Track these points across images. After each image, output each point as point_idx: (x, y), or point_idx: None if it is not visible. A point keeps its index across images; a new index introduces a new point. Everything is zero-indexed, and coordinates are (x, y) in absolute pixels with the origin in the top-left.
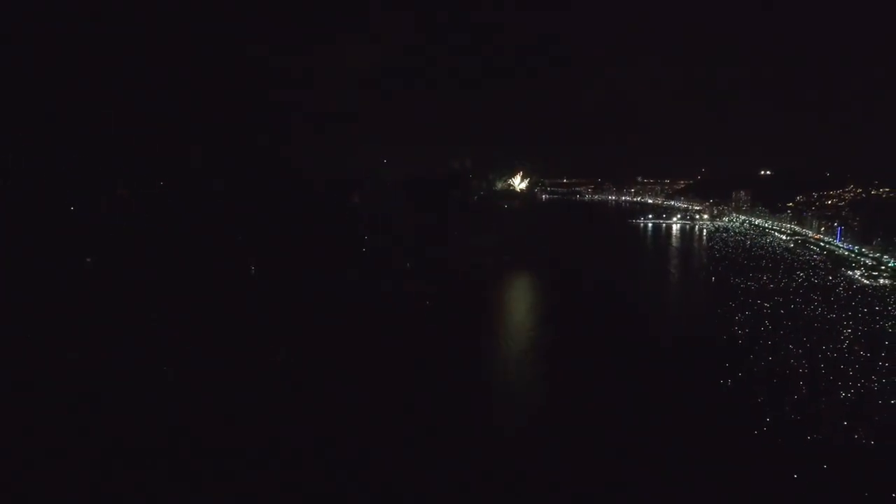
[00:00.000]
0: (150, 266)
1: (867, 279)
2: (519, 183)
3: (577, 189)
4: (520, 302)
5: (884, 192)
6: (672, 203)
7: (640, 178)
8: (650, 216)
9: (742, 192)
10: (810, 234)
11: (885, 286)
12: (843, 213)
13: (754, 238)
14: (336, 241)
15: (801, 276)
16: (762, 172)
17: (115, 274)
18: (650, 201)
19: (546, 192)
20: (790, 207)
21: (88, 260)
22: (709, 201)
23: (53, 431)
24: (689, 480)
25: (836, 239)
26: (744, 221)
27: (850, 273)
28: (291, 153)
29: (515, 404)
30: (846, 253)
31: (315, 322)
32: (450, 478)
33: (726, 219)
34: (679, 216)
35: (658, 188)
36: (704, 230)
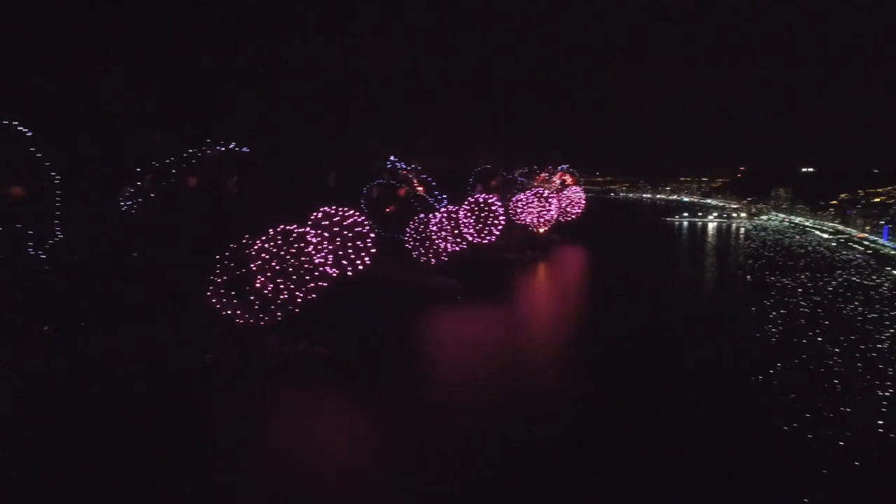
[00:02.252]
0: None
1: None
2: (549, 180)
3: (612, 187)
4: None
5: None
6: (709, 201)
7: (676, 177)
8: (685, 214)
9: (782, 190)
10: (854, 232)
11: None
12: (892, 211)
13: (793, 237)
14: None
15: (843, 276)
16: (804, 169)
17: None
18: (686, 199)
19: (580, 191)
20: (833, 205)
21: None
22: (747, 199)
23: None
24: (718, 479)
25: (882, 238)
26: (783, 220)
27: (895, 272)
28: (317, 145)
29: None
30: (893, 252)
31: None
32: None
33: (765, 217)
34: (715, 214)
35: (695, 186)
36: (742, 229)
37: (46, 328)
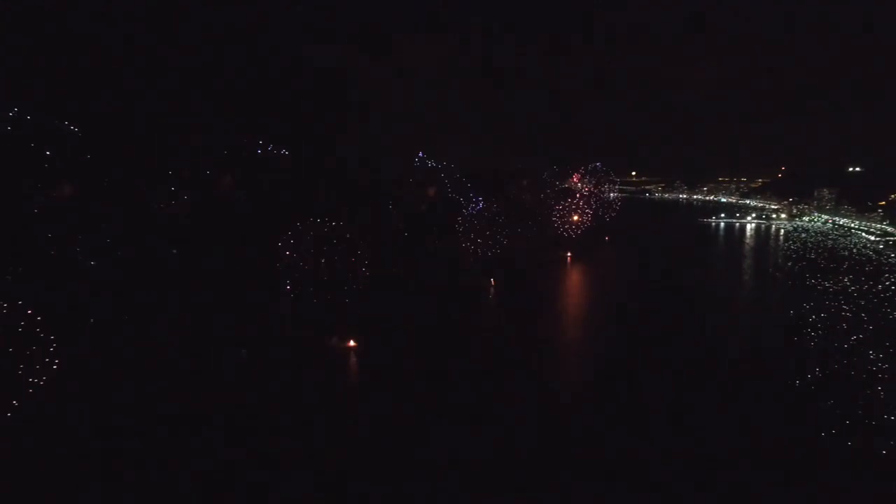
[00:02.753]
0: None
1: None
2: (579, 181)
3: (647, 187)
4: None
5: None
6: (747, 202)
7: (715, 177)
8: (722, 215)
9: (826, 190)
10: None
11: None
12: None
13: (837, 238)
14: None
15: (890, 279)
16: (850, 169)
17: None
18: (724, 200)
19: (614, 191)
20: (882, 206)
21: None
22: (787, 200)
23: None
24: (759, 481)
25: None
26: (826, 221)
27: None
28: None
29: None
30: None
31: None
32: None
33: (806, 218)
34: (753, 215)
35: (733, 186)
36: (781, 230)
37: (92, 320)
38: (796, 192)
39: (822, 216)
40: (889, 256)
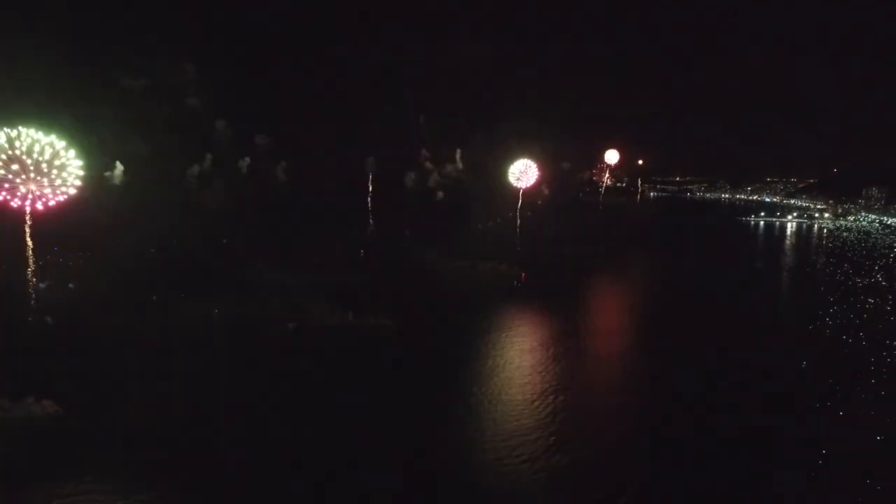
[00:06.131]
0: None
1: None
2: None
3: (689, 187)
4: None
5: None
6: (792, 201)
7: (762, 176)
8: (762, 214)
9: (874, 189)
10: None
11: None
12: None
13: (879, 238)
14: None
15: None
16: None
17: None
18: (767, 200)
19: (655, 190)
20: None
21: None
22: (833, 199)
23: None
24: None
25: None
26: (873, 220)
27: None
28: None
29: None
30: None
31: None
32: None
33: (851, 218)
34: (795, 214)
35: (779, 186)
36: (824, 230)
37: (155, 297)
38: (845, 192)
39: (870, 216)
40: None
